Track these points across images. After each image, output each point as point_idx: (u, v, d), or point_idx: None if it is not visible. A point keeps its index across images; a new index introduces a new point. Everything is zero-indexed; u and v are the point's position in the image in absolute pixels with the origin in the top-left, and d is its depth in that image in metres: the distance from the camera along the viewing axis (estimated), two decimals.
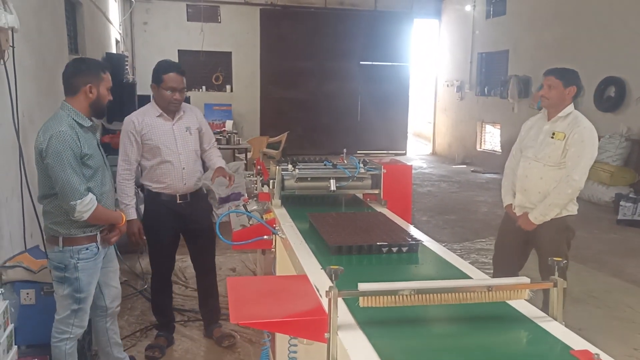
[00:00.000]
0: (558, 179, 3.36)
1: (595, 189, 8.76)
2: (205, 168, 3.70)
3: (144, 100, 8.32)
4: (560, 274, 3.58)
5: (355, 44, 14.28)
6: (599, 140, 9.07)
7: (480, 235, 6.84)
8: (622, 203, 7.68)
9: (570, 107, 3.45)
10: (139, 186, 3.79)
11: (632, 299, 4.78)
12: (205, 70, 13.54)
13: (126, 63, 9.05)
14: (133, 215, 3.33)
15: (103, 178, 2.76)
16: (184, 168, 3.42)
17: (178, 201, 3.45)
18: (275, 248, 2.81)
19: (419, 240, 2.28)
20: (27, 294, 2.93)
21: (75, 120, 2.63)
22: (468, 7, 13.64)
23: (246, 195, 4.19)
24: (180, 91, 3.34)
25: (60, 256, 2.70)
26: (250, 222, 2.93)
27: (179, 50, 13.41)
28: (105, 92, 2.72)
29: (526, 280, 1.60)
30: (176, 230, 3.53)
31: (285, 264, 2.62)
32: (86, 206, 2.58)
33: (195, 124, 3.52)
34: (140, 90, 9.09)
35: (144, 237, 3.39)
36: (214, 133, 13.19)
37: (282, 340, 2.67)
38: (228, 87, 13.69)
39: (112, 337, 3.07)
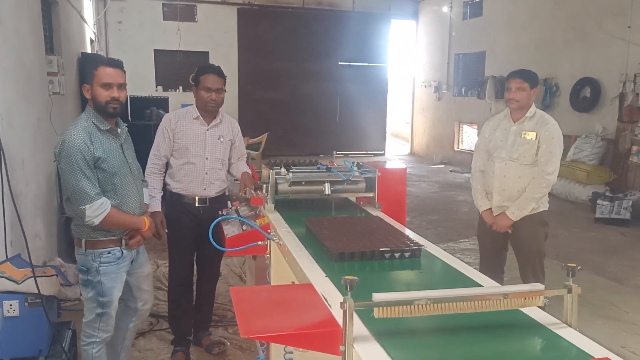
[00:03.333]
0: (534, 177, 3.50)
1: (573, 188, 8.91)
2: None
3: None
4: (540, 274, 3.64)
5: (333, 44, 14.26)
6: (575, 140, 9.31)
7: (463, 235, 6.88)
8: (599, 202, 7.82)
9: (534, 107, 3.59)
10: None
11: (616, 297, 4.86)
12: (182, 70, 13.29)
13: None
14: (158, 207, 3.29)
15: (123, 182, 2.68)
16: (206, 173, 3.41)
17: (197, 205, 3.42)
18: (270, 254, 2.75)
19: (422, 245, 2.25)
20: (11, 305, 2.81)
21: (94, 123, 2.59)
22: (445, 9, 13.74)
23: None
24: (217, 92, 3.32)
25: (84, 259, 2.67)
26: (244, 228, 2.85)
27: (154, 50, 13.19)
28: (99, 90, 2.55)
29: (541, 287, 1.58)
30: (195, 235, 3.45)
31: (281, 271, 2.56)
32: (96, 211, 2.52)
33: (229, 134, 3.52)
34: None
35: (166, 230, 3.30)
36: None
37: (277, 347, 2.61)
38: None
39: (127, 339, 3.04)
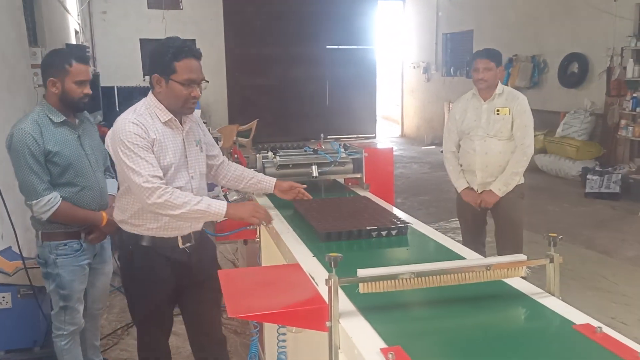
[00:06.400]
0: (513, 150, 3.61)
1: (563, 164, 8.96)
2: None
3: (107, 92, 8.14)
4: (520, 244, 3.72)
5: (320, 28, 14.16)
6: (564, 116, 9.35)
7: (454, 214, 6.83)
8: (589, 176, 7.88)
9: (500, 84, 3.70)
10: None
11: (606, 269, 4.93)
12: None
13: (87, 54, 8.76)
14: (223, 204, 2.27)
15: (80, 174, 2.59)
16: None
17: (180, 246, 2.38)
18: (259, 238, 2.77)
19: (408, 223, 2.27)
20: (3, 297, 2.83)
21: (47, 116, 2.53)
22: None
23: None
24: (199, 84, 2.32)
25: (41, 251, 2.63)
26: None
27: (140, 40, 13.06)
28: (73, 86, 2.52)
29: (523, 257, 1.61)
30: (174, 288, 2.47)
31: (271, 254, 2.58)
32: (43, 207, 2.46)
33: (199, 132, 2.49)
34: (103, 82, 8.84)
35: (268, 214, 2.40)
36: None
37: (270, 329, 2.64)
38: None
39: (89, 338, 2.96)
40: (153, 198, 2.12)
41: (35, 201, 2.46)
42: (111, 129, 2.26)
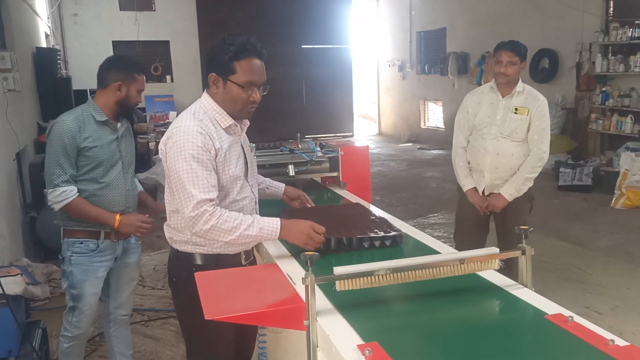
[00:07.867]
0: (525, 154, 3.38)
1: None
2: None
3: (80, 95, 8.01)
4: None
5: (295, 27, 14.15)
6: None
7: (432, 210, 6.99)
8: (561, 170, 8.03)
9: (521, 81, 3.45)
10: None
11: (580, 260, 5.03)
12: (143, 61, 13.01)
13: (58, 57, 8.60)
14: (276, 225, 1.97)
15: (109, 174, 2.64)
16: (257, 212, 2.23)
17: (243, 263, 2.14)
18: None
19: (400, 231, 2.18)
20: None
21: (91, 114, 2.61)
22: None
23: None
24: (260, 88, 2.09)
25: (63, 247, 2.70)
26: None
27: (113, 42, 12.87)
28: (135, 94, 2.67)
29: (495, 250, 1.64)
30: None
31: None
32: (56, 197, 2.53)
33: (246, 138, 2.33)
34: (76, 85, 8.71)
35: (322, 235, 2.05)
36: (156, 126, 12.36)
37: None
38: (168, 77, 13.28)
39: (116, 346, 2.96)
40: (199, 225, 1.88)
41: (51, 190, 2.53)
42: (168, 135, 2.00)
